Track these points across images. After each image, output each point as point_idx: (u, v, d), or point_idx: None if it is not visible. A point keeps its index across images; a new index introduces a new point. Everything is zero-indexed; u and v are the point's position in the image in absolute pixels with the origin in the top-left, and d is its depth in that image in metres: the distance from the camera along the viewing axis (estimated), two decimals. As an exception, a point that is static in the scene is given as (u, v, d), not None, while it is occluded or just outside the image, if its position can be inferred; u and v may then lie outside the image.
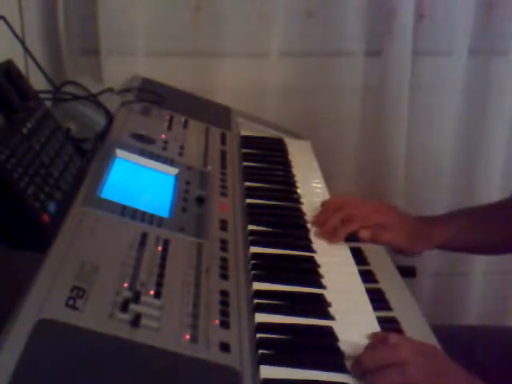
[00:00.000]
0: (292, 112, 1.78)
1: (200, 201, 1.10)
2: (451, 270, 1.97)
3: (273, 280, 0.98)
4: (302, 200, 1.27)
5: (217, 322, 0.81)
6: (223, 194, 1.18)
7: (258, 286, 0.96)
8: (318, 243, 1.12)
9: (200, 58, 1.75)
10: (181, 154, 1.25)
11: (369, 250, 1.21)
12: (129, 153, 1.17)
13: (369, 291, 1.03)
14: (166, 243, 0.93)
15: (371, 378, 0.81)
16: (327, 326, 0.90)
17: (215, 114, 1.55)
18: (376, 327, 0.93)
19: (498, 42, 1.80)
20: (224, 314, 0.83)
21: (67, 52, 1.68)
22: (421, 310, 1.08)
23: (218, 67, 1.75)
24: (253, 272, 0.99)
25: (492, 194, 1.84)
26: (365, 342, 0.87)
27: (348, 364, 0.83)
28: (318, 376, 0.80)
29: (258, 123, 1.63)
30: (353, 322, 0.93)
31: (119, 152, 1.16)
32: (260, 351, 0.82)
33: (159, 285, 0.83)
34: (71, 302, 0.74)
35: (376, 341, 0.86)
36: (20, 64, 1.12)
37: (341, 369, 0.82)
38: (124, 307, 0.76)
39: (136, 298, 0.78)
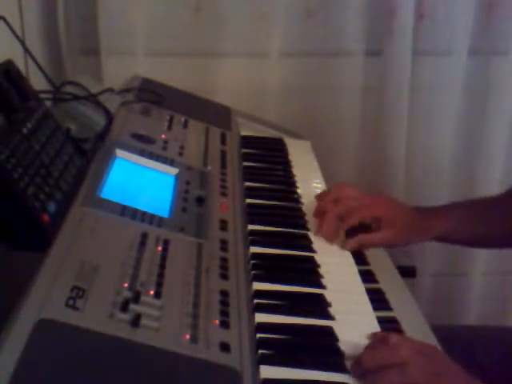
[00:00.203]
0: (292, 112, 1.78)
1: (200, 201, 1.10)
2: (451, 269, 1.97)
3: (273, 280, 0.98)
4: (302, 200, 1.27)
5: (217, 321, 0.81)
6: (223, 194, 1.18)
7: (257, 286, 0.96)
8: (318, 243, 1.12)
9: (200, 57, 1.75)
10: (181, 154, 1.25)
11: (369, 250, 1.21)
12: (129, 153, 1.17)
13: (369, 291, 1.02)
14: (165, 243, 0.93)
15: (371, 378, 0.81)
16: (327, 326, 0.90)
17: (215, 114, 1.55)
18: (376, 327, 0.93)
19: (498, 42, 1.80)
20: (224, 314, 0.83)
21: (67, 52, 1.69)
22: (421, 310, 1.08)
23: (218, 67, 1.75)
24: (253, 272, 0.99)
25: (492, 194, 1.83)
26: (365, 342, 0.87)
27: (348, 364, 0.83)
28: (318, 376, 0.80)
29: (258, 123, 1.63)
30: (353, 321, 0.93)
31: (119, 152, 1.16)
32: (260, 351, 0.82)
33: (159, 285, 0.83)
34: (71, 302, 0.74)
35: (376, 341, 0.86)
36: (20, 64, 1.12)
37: (341, 369, 0.82)
38: (124, 307, 0.76)
39: (136, 298, 0.78)
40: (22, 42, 1.29)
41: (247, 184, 1.28)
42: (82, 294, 0.76)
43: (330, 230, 1.14)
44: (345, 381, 0.81)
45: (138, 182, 1.11)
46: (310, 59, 1.80)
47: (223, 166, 1.29)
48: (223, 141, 1.41)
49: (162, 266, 0.87)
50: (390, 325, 0.99)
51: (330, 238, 1.14)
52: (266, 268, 1.01)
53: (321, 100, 1.81)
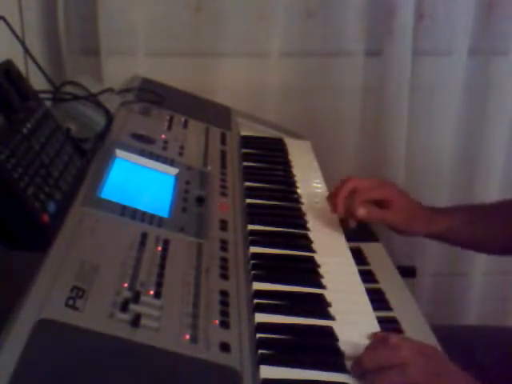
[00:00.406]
0: (292, 112, 1.78)
1: (200, 201, 1.10)
2: (451, 269, 1.97)
3: (273, 280, 0.98)
4: (302, 200, 1.27)
5: (217, 321, 0.81)
6: (223, 194, 1.18)
7: (258, 286, 0.96)
8: (318, 243, 1.12)
9: (200, 57, 1.75)
10: (181, 154, 1.25)
11: (369, 250, 1.21)
12: (129, 153, 1.17)
13: (369, 291, 1.03)
14: (165, 243, 0.93)
15: (371, 378, 0.81)
16: (327, 326, 0.90)
17: (215, 114, 1.55)
18: (376, 327, 0.93)
19: (498, 42, 1.79)
20: (224, 314, 0.84)
21: (67, 52, 1.68)
22: (421, 310, 1.08)
23: (218, 67, 1.75)
24: (253, 272, 0.99)
25: (492, 194, 1.84)
26: (365, 342, 0.87)
27: (348, 364, 0.83)
28: (318, 376, 0.80)
29: (258, 123, 1.63)
30: (353, 321, 0.93)
31: (119, 152, 1.16)
32: (260, 351, 0.82)
33: (159, 285, 0.83)
34: (71, 301, 0.74)
35: (376, 341, 0.86)
36: (20, 64, 1.12)
37: (341, 369, 0.82)
38: (124, 307, 0.76)
39: (136, 298, 0.78)
40: (22, 42, 1.29)
41: (247, 184, 1.28)
42: (82, 294, 0.76)
43: (342, 202, 1.15)
44: (345, 381, 0.81)
45: (138, 181, 1.11)
46: (310, 59, 1.80)
47: (223, 166, 1.29)
48: (223, 141, 1.41)
49: (162, 266, 0.87)
50: (390, 325, 0.99)
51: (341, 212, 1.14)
52: (266, 268, 1.01)
53: (321, 100, 1.81)
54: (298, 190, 1.31)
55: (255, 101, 1.76)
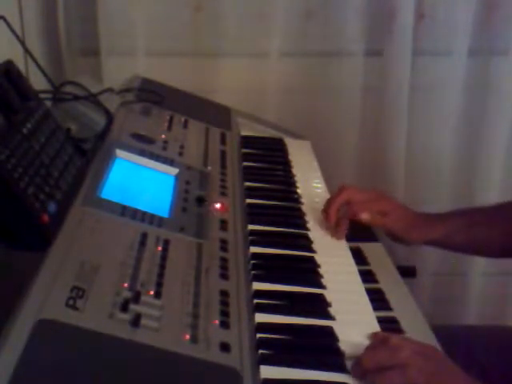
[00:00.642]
0: (292, 112, 1.78)
1: (200, 201, 1.10)
2: (451, 269, 1.97)
3: (273, 280, 0.98)
4: (302, 200, 1.27)
5: (217, 322, 0.81)
6: (223, 194, 1.18)
7: (257, 286, 0.96)
8: (318, 243, 1.12)
9: (200, 57, 1.75)
10: (181, 154, 1.25)
11: (369, 250, 1.21)
12: (129, 153, 1.17)
13: (369, 291, 1.03)
14: (166, 243, 0.93)
15: (372, 378, 0.81)
16: (327, 326, 0.90)
17: (215, 114, 1.55)
18: (376, 327, 0.93)
19: (498, 42, 1.79)
20: (224, 314, 0.84)
21: (67, 52, 1.69)
22: (421, 310, 1.08)
23: (218, 67, 1.75)
24: (253, 272, 0.99)
25: (492, 194, 1.84)
26: (365, 342, 0.87)
27: (348, 364, 0.83)
28: (318, 376, 0.80)
29: (258, 123, 1.63)
30: (353, 322, 0.93)
31: (119, 152, 1.16)
32: (260, 351, 0.82)
33: (159, 285, 0.83)
34: (71, 301, 0.74)
35: (377, 341, 0.86)
36: (20, 64, 1.12)
37: (341, 369, 0.82)
38: (124, 307, 0.76)
39: (136, 298, 0.78)
40: (22, 42, 1.29)
41: (247, 184, 1.28)
42: (82, 293, 0.76)
43: (334, 214, 1.16)
44: (345, 381, 0.81)
45: (138, 182, 1.11)
46: (310, 59, 1.80)
47: (223, 166, 1.29)
48: (223, 141, 1.41)
49: (162, 266, 0.87)
50: (389, 325, 0.99)
51: (334, 232, 1.15)
52: (266, 268, 1.01)
53: (321, 100, 1.81)
54: (298, 190, 1.31)
55: (255, 101, 1.76)
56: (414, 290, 1.17)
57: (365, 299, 1.00)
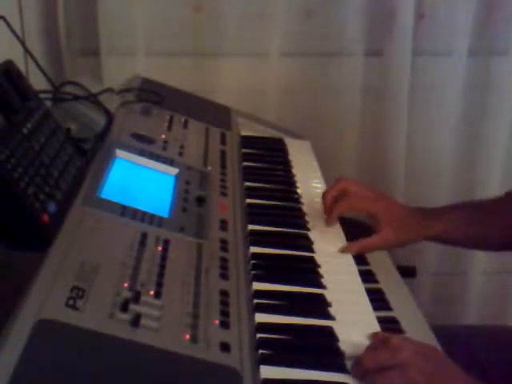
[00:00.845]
0: (292, 112, 1.78)
1: (200, 201, 1.10)
2: (451, 269, 1.97)
3: (273, 280, 0.98)
4: (302, 200, 1.27)
5: (217, 322, 0.81)
6: (223, 194, 1.18)
7: (257, 286, 0.96)
8: (318, 243, 1.12)
9: (200, 57, 1.75)
10: (181, 154, 1.25)
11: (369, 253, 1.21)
12: (129, 153, 1.17)
13: (369, 291, 1.02)
14: (166, 243, 0.93)
15: (372, 378, 0.81)
16: (327, 326, 0.90)
17: (215, 114, 1.55)
18: (376, 327, 0.93)
19: (498, 42, 1.80)
20: (224, 314, 0.84)
21: (67, 52, 1.69)
22: (421, 310, 1.08)
23: (218, 67, 1.75)
24: (253, 272, 0.99)
25: (492, 194, 1.83)
26: (365, 342, 0.87)
27: (348, 364, 0.83)
28: (318, 376, 0.80)
29: (258, 123, 1.63)
30: (353, 322, 0.93)
31: (119, 152, 1.16)
32: (260, 351, 0.82)
33: (159, 285, 0.83)
34: (71, 301, 0.74)
35: (377, 341, 0.86)
36: (20, 64, 1.12)
37: (341, 369, 0.82)
38: (124, 307, 0.76)
39: (136, 298, 0.78)
40: (22, 42, 1.29)
41: (247, 184, 1.28)
42: (82, 294, 0.76)
43: (327, 203, 1.17)
44: (345, 381, 0.81)
45: (138, 182, 1.11)
46: (310, 59, 1.80)
47: (223, 166, 1.29)
48: (223, 141, 1.41)
49: (162, 266, 0.87)
50: (389, 325, 0.99)
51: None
52: (266, 268, 1.01)
53: (321, 100, 1.81)
54: (298, 190, 1.31)
55: (255, 101, 1.76)
56: (414, 289, 1.17)
57: (365, 299, 1.00)
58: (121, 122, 1.28)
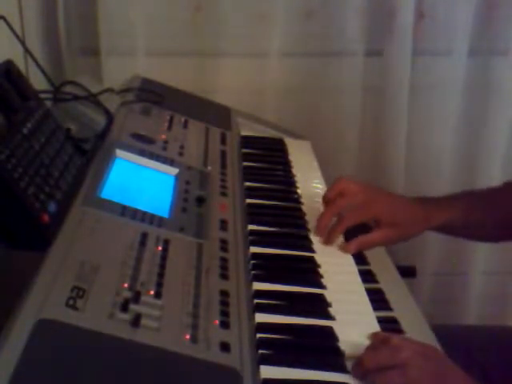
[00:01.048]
0: (292, 112, 1.78)
1: (200, 201, 1.10)
2: (451, 269, 1.97)
3: (273, 280, 0.98)
4: (302, 200, 1.27)
5: (217, 322, 0.81)
6: (223, 194, 1.18)
7: (257, 286, 0.96)
8: (318, 243, 1.12)
9: (200, 57, 1.75)
10: (181, 154, 1.25)
11: (369, 250, 1.21)
12: (129, 153, 1.17)
13: (369, 291, 1.02)
14: (166, 243, 0.93)
15: (372, 378, 0.81)
16: (327, 326, 0.90)
17: (215, 114, 1.55)
18: (376, 327, 0.93)
19: (498, 42, 1.79)
20: (224, 314, 0.84)
21: (67, 52, 1.68)
22: (421, 310, 1.08)
23: (218, 67, 1.75)
24: (253, 272, 0.99)
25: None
26: (365, 342, 0.87)
27: (348, 364, 0.83)
28: (318, 376, 0.80)
29: (258, 123, 1.63)
30: (353, 322, 0.93)
31: (119, 152, 1.16)
32: (260, 351, 0.82)
33: (159, 285, 0.83)
34: (71, 301, 0.74)
35: (377, 341, 0.86)
36: (20, 64, 1.12)
37: (341, 369, 0.82)
38: (124, 307, 0.76)
39: (136, 298, 0.78)
40: (22, 42, 1.29)
41: (247, 184, 1.28)
42: (82, 294, 0.76)
43: (327, 223, 1.14)
44: (345, 381, 0.81)
45: (138, 182, 1.11)
46: (310, 59, 1.80)
47: (223, 166, 1.29)
48: (223, 141, 1.41)
49: (162, 266, 0.87)
50: (390, 325, 0.99)
51: (326, 240, 1.13)
52: (266, 268, 1.01)
53: (321, 100, 1.81)
54: (298, 190, 1.31)
55: (255, 101, 1.76)
56: (413, 289, 1.17)
57: (365, 299, 1.00)
58: (121, 122, 1.28)
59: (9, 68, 1.01)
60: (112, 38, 1.67)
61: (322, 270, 1.04)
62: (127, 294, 0.79)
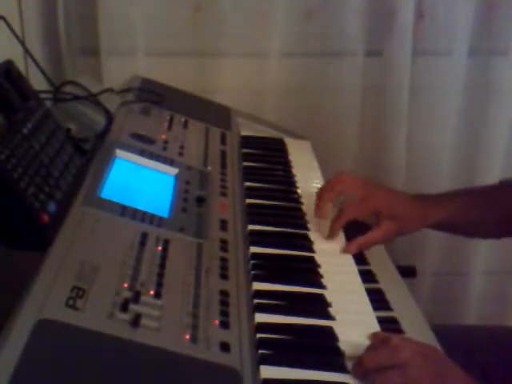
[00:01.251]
0: (292, 112, 1.78)
1: (200, 201, 1.10)
2: (451, 269, 1.97)
3: (273, 280, 0.98)
4: (302, 200, 1.27)
5: (217, 322, 0.81)
6: (223, 194, 1.18)
7: (258, 286, 0.96)
8: (318, 243, 1.12)
9: (200, 57, 1.75)
10: (181, 154, 1.25)
11: (369, 250, 1.21)
12: (129, 153, 1.17)
13: (369, 291, 1.03)
14: (166, 243, 0.93)
15: (372, 378, 0.81)
16: (327, 326, 0.90)
17: (215, 114, 1.55)
18: (376, 327, 0.93)
19: (498, 42, 1.79)
20: (224, 314, 0.84)
21: (67, 52, 1.68)
22: (421, 310, 1.08)
23: (218, 67, 1.75)
24: (253, 272, 0.99)
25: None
26: (365, 342, 0.87)
27: (348, 364, 0.83)
28: (318, 376, 0.80)
29: (258, 123, 1.63)
30: (353, 322, 0.93)
31: (119, 152, 1.16)
32: (260, 351, 0.82)
33: (159, 285, 0.83)
34: (71, 301, 0.74)
35: (377, 341, 0.86)
36: (20, 64, 1.12)
37: (341, 369, 0.82)
38: (124, 307, 0.76)
39: (136, 298, 0.78)
40: (22, 42, 1.29)
41: (247, 184, 1.28)
42: (82, 294, 0.76)
43: (325, 208, 1.15)
44: (345, 381, 0.81)
45: (138, 182, 1.11)
46: (310, 59, 1.80)
47: (223, 166, 1.29)
48: (223, 141, 1.41)
49: (162, 266, 0.87)
50: (389, 325, 0.99)
51: (322, 214, 1.15)
52: (266, 268, 1.01)
53: (321, 100, 1.81)
54: (298, 190, 1.31)
55: (255, 101, 1.76)
56: (414, 289, 1.17)
57: (365, 299, 1.00)
58: (121, 122, 1.28)
59: (9, 68, 1.01)
60: (112, 38, 1.66)
61: (321, 270, 1.04)
62: (127, 294, 0.79)
